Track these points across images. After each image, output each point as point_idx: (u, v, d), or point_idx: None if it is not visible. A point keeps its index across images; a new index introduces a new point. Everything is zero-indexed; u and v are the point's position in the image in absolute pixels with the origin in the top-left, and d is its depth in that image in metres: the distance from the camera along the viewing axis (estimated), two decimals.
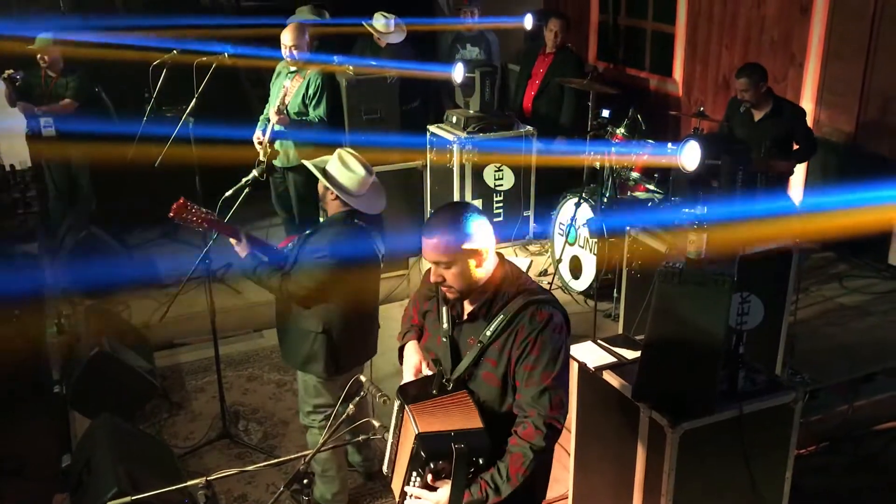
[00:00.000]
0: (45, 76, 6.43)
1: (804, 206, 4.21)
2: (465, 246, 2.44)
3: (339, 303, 3.75)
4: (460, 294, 2.51)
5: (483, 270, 2.50)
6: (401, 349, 2.81)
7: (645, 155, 5.77)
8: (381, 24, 6.80)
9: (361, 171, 3.67)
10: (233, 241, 3.83)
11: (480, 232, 2.48)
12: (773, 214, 3.74)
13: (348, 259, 3.63)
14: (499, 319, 2.48)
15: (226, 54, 5.93)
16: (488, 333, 2.49)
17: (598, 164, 5.90)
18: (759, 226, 3.59)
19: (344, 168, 3.66)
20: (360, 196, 3.69)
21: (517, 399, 2.49)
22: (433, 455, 2.36)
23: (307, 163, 3.82)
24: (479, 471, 2.43)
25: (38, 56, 6.33)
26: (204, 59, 5.92)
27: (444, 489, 2.39)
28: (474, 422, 2.41)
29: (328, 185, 3.65)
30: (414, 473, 2.44)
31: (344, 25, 7.00)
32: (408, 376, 2.67)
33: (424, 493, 2.43)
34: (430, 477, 2.40)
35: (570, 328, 2.57)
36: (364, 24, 6.90)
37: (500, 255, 2.59)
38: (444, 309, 2.63)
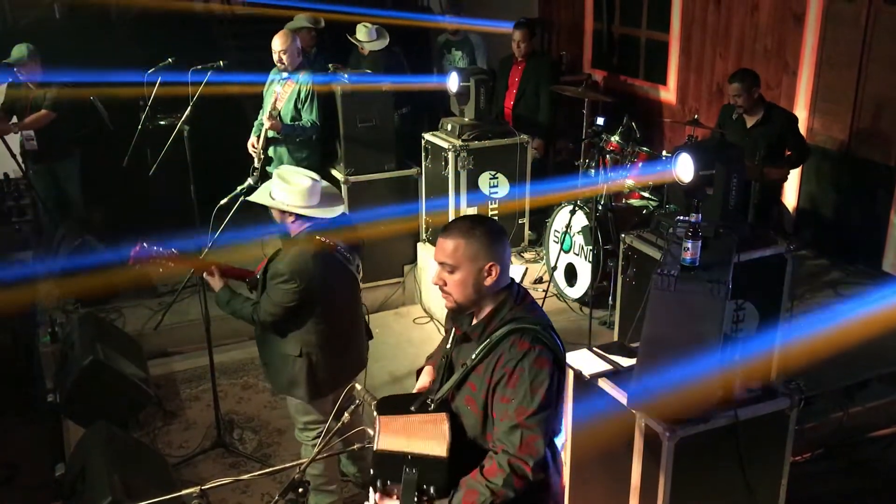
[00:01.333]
0: (26, 88, 6.37)
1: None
2: (476, 255, 2.38)
3: (314, 324, 3.67)
4: (457, 305, 2.45)
5: (487, 288, 2.42)
6: (419, 371, 2.80)
7: (639, 163, 5.79)
8: (363, 33, 6.88)
9: (306, 181, 3.59)
10: (206, 275, 3.80)
11: (496, 248, 2.41)
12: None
13: (313, 279, 3.56)
14: (484, 344, 2.40)
15: (221, 62, 5.97)
16: (473, 356, 2.42)
17: (592, 171, 5.92)
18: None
19: (287, 185, 3.58)
20: (315, 206, 3.61)
21: (494, 430, 2.38)
22: (382, 475, 2.35)
23: (252, 199, 3.74)
24: (431, 499, 2.34)
25: (15, 69, 6.26)
26: (199, 66, 5.95)
27: None
28: (438, 449, 2.34)
29: (282, 207, 3.57)
30: (371, 489, 2.43)
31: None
32: None
33: None
34: (377, 496, 2.38)
35: (563, 367, 2.43)
36: (348, 36, 6.98)
37: (521, 286, 2.53)
38: (453, 328, 2.58)
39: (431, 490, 2.32)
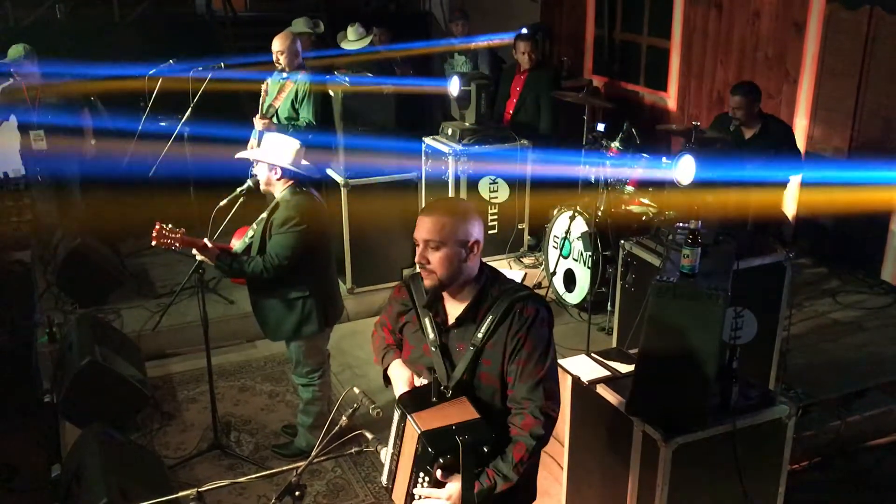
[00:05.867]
0: (27, 89, 6.34)
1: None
2: (461, 231, 2.48)
3: (318, 261, 4.16)
4: (439, 283, 2.51)
5: (468, 266, 2.52)
6: (385, 370, 2.78)
7: (639, 169, 5.78)
8: (352, 32, 7.13)
9: (296, 142, 4.05)
10: (196, 250, 4.06)
11: (477, 227, 2.53)
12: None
13: (314, 220, 4.06)
14: (489, 320, 2.50)
15: (221, 64, 5.98)
16: (479, 336, 2.50)
17: (592, 178, 5.92)
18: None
19: (283, 147, 4.02)
20: (303, 165, 4.08)
21: (510, 395, 2.51)
22: (441, 451, 2.37)
23: (245, 155, 4.25)
24: (486, 460, 2.44)
25: (12, 69, 6.23)
26: (199, 68, 5.96)
27: (454, 483, 2.39)
28: (471, 414, 2.44)
29: (286, 166, 3.99)
30: (421, 474, 2.43)
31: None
32: (401, 390, 2.65)
33: (434, 491, 2.41)
34: (439, 473, 2.39)
35: (553, 320, 2.60)
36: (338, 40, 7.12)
37: (483, 262, 2.62)
38: (427, 319, 2.61)
39: (486, 450, 2.42)
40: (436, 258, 2.48)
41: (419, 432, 2.39)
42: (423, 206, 2.65)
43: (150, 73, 6.22)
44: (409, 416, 2.46)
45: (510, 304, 2.50)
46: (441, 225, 2.47)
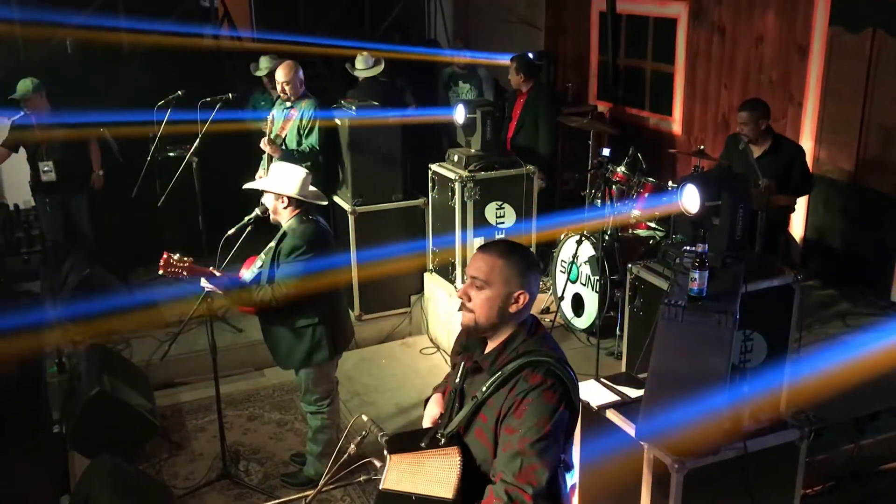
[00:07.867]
0: (38, 129, 6.37)
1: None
2: (510, 278, 2.37)
3: (324, 289, 4.10)
4: (475, 324, 2.41)
5: (509, 315, 2.40)
6: (426, 400, 2.76)
7: (646, 194, 5.79)
8: (360, 61, 7.14)
9: (302, 171, 4.09)
10: (205, 281, 4.03)
11: (530, 278, 2.40)
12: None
13: (322, 248, 4.07)
14: (496, 375, 2.36)
15: (230, 95, 6.06)
16: (483, 389, 2.38)
17: (598, 202, 5.93)
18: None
19: (289, 176, 4.04)
20: (310, 193, 4.10)
21: (496, 460, 2.33)
22: None
23: (253, 186, 4.23)
24: None
25: (21, 104, 6.27)
26: (207, 99, 6.03)
27: None
28: (446, 489, 2.30)
29: (295, 195, 4.01)
30: None
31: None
32: (426, 424, 2.61)
33: None
34: None
35: (575, 401, 2.37)
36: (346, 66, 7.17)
37: (534, 317, 2.49)
38: (464, 361, 2.54)
39: None
40: (477, 298, 2.38)
41: (380, 488, 2.37)
42: (485, 243, 2.53)
43: (158, 105, 6.30)
44: (387, 458, 2.44)
45: (520, 366, 2.33)
46: (491, 265, 2.37)
